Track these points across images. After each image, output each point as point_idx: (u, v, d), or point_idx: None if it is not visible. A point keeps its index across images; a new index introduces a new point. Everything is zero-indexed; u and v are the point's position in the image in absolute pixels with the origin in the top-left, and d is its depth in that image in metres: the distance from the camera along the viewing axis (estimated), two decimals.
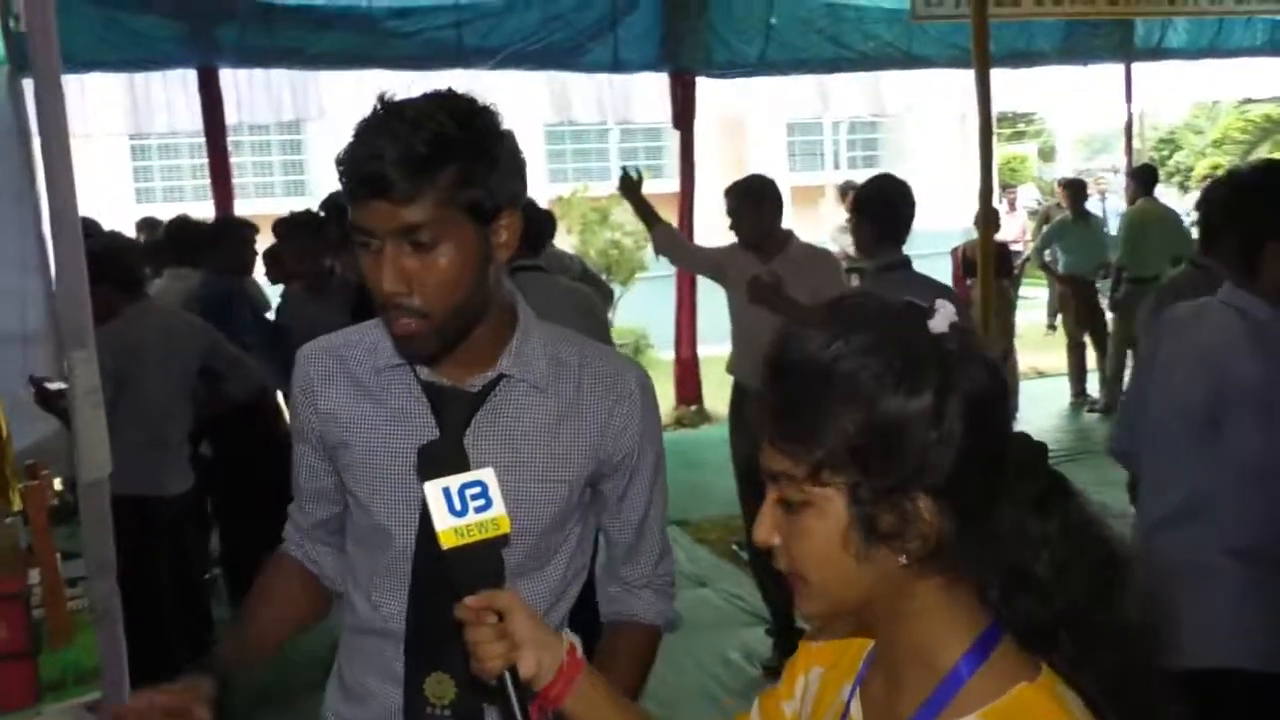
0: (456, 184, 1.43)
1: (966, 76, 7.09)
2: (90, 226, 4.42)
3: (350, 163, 1.43)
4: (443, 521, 1.22)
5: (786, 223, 4.74)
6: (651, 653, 1.73)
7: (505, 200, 1.49)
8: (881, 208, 4.06)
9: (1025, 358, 9.50)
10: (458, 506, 1.23)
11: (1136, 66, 9.97)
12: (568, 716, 1.25)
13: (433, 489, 1.23)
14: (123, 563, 2.52)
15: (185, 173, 14.25)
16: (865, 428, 0.99)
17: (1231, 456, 2.39)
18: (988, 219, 6.77)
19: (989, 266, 7.16)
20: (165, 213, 6.95)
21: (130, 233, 6.19)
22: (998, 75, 7.32)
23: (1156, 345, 2.65)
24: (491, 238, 1.49)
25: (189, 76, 6.18)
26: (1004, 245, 8.82)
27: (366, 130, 1.43)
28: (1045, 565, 1.04)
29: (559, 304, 3.87)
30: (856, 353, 1.01)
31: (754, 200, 4.60)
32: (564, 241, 9.16)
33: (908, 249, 4.12)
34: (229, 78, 6.28)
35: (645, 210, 5.10)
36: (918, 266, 4.24)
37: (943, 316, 1.03)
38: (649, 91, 8.08)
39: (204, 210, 7.67)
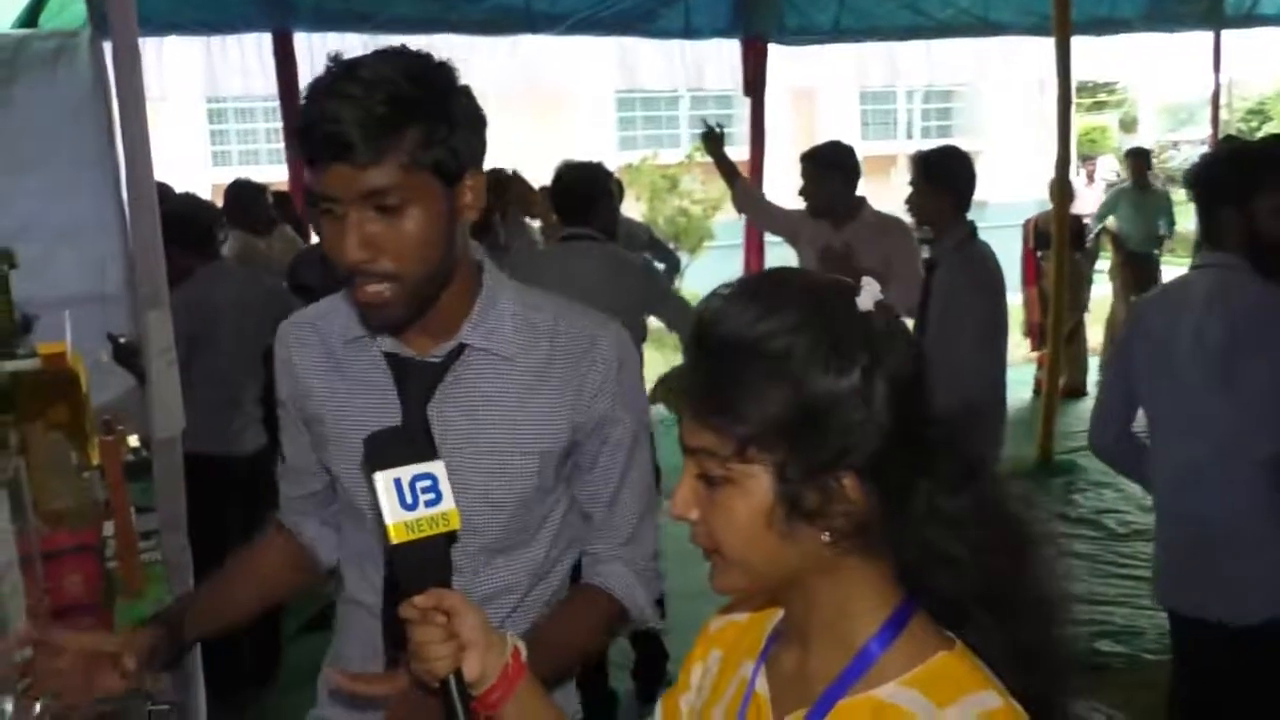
0: (420, 144, 1.38)
1: (1046, 44, 6.94)
2: (163, 190, 4.50)
3: (307, 127, 1.37)
4: (393, 515, 1.16)
5: (860, 191, 4.69)
6: (603, 620, 1.63)
7: (469, 159, 1.44)
8: (955, 178, 4.00)
9: (1097, 332, 9.33)
10: (408, 499, 1.16)
11: (1226, 34, 9.65)
12: None
13: (383, 480, 1.16)
14: (194, 518, 2.57)
15: (260, 136, 14.43)
16: (794, 406, 0.99)
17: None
18: (1063, 191, 6.63)
19: (1064, 239, 7.05)
20: (241, 176, 7.03)
21: (207, 195, 6.28)
22: (1078, 43, 7.16)
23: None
24: (457, 199, 1.44)
25: (264, 40, 6.25)
26: (1078, 218, 8.66)
27: (321, 92, 1.37)
28: (961, 544, 1.03)
29: (600, 270, 3.87)
30: (786, 330, 1.00)
31: (826, 169, 4.55)
32: (633, 209, 9.15)
33: (981, 221, 4.06)
34: (302, 42, 6.32)
35: (726, 166, 5.08)
36: (992, 238, 4.18)
37: (868, 294, 1.03)
38: (720, 58, 7.99)
39: (279, 174, 7.78)
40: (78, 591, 2.04)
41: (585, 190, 4.14)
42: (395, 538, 1.16)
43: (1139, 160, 9.45)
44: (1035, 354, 8.89)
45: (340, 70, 1.38)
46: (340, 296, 1.60)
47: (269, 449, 4.42)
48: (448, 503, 1.18)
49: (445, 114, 1.40)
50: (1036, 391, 8.12)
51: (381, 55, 1.40)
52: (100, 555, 2.12)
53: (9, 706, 1.53)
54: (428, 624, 1.16)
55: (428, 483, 1.18)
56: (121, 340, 3.95)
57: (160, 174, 4.35)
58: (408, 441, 1.24)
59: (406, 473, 1.17)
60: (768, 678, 1.13)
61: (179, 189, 5.33)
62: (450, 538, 1.19)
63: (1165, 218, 9.32)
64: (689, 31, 7.47)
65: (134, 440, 3.69)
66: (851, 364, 0.99)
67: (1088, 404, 8.39)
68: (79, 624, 2.08)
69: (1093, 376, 8.88)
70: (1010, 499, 1.09)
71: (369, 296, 1.42)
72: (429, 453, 1.21)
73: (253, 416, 4.19)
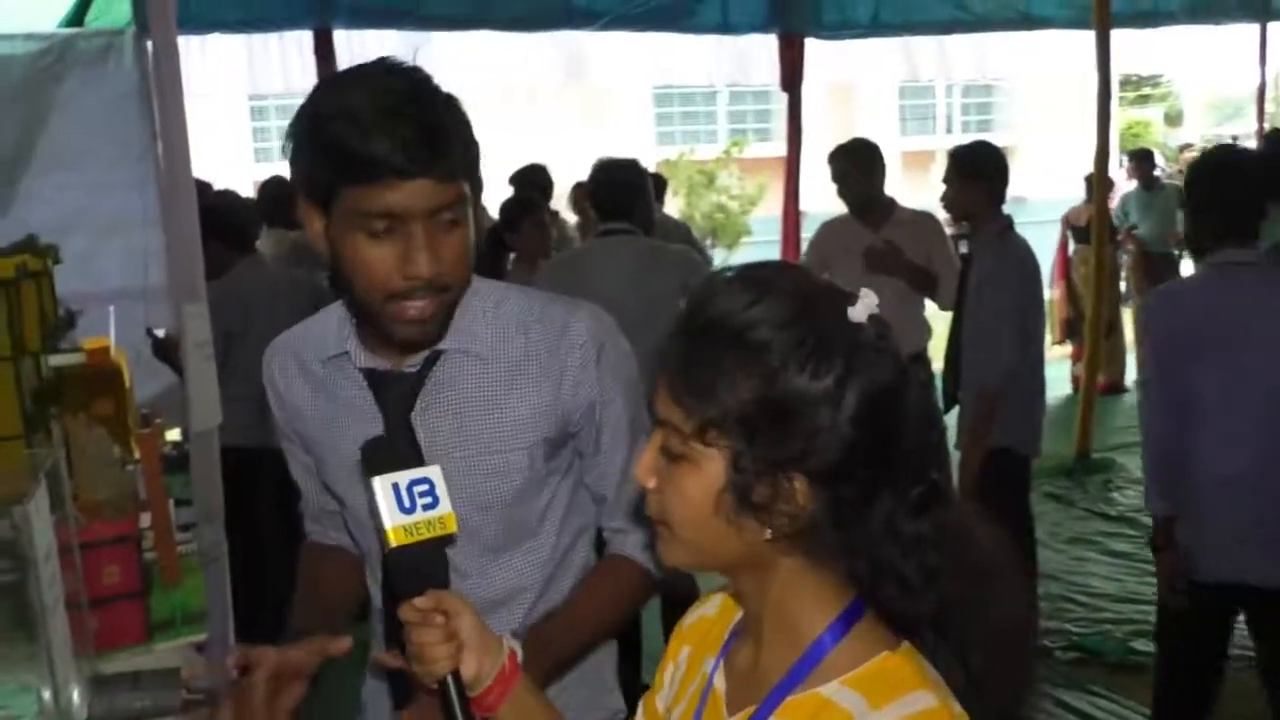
0: (470, 159, 1.40)
1: (1087, 38, 6.86)
2: (202, 186, 4.56)
3: (370, 145, 1.32)
4: (391, 519, 1.16)
5: (896, 188, 4.67)
6: (630, 588, 1.62)
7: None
8: (989, 171, 3.99)
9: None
10: (406, 504, 1.17)
11: (1272, 26, 9.49)
12: None
13: (381, 484, 1.17)
14: (230, 510, 2.61)
15: None
16: (761, 399, 0.99)
17: None
18: (1102, 184, 6.56)
19: (1103, 233, 6.98)
20: (284, 172, 7.10)
21: (248, 192, 6.35)
22: (1121, 36, 7.07)
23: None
24: (477, 210, 1.47)
25: (304, 38, 6.30)
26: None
27: (364, 111, 1.33)
28: (915, 567, 1.02)
29: (637, 262, 3.88)
30: (770, 323, 1.00)
31: (862, 163, 4.53)
32: (670, 205, 9.14)
33: (1020, 216, 4.04)
34: (342, 39, 6.37)
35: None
36: (1031, 233, 4.16)
37: (864, 306, 1.02)
38: (758, 53, 7.97)
39: None
40: (116, 581, 2.08)
41: (623, 187, 4.15)
42: (394, 541, 1.16)
43: (1141, 162, 9.42)
44: (1064, 346, 8.81)
45: (374, 89, 1.35)
46: (321, 316, 1.62)
47: None
48: (444, 506, 1.19)
49: (472, 129, 1.43)
50: (1075, 389, 8.05)
51: (393, 73, 1.39)
52: (138, 546, 2.16)
53: None
54: (427, 625, 1.18)
55: (424, 486, 1.18)
56: (159, 335, 4.01)
57: (203, 170, 4.41)
58: (404, 446, 1.26)
59: (404, 477, 1.18)
60: (725, 674, 1.14)
61: (221, 185, 5.40)
62: (447, 541, 1.20)
63: (1176, 217, 9.26)
64: (726, 27, 7.45)
65: (175, 434, 3.75)
66: (827, 370, 0.98)
67: (1128, 401, 8.32)
68: (120, 613, 2.12)
69: (1130, 374, 8.80)
70: (976, 528, 1.07)
71: (419, 313, 1.42)
72: (421, 459, 1.23)
73: None
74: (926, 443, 1.05)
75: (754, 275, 1.04)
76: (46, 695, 1.56)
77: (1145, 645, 4.33)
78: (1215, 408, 2.77)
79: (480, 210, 1.32)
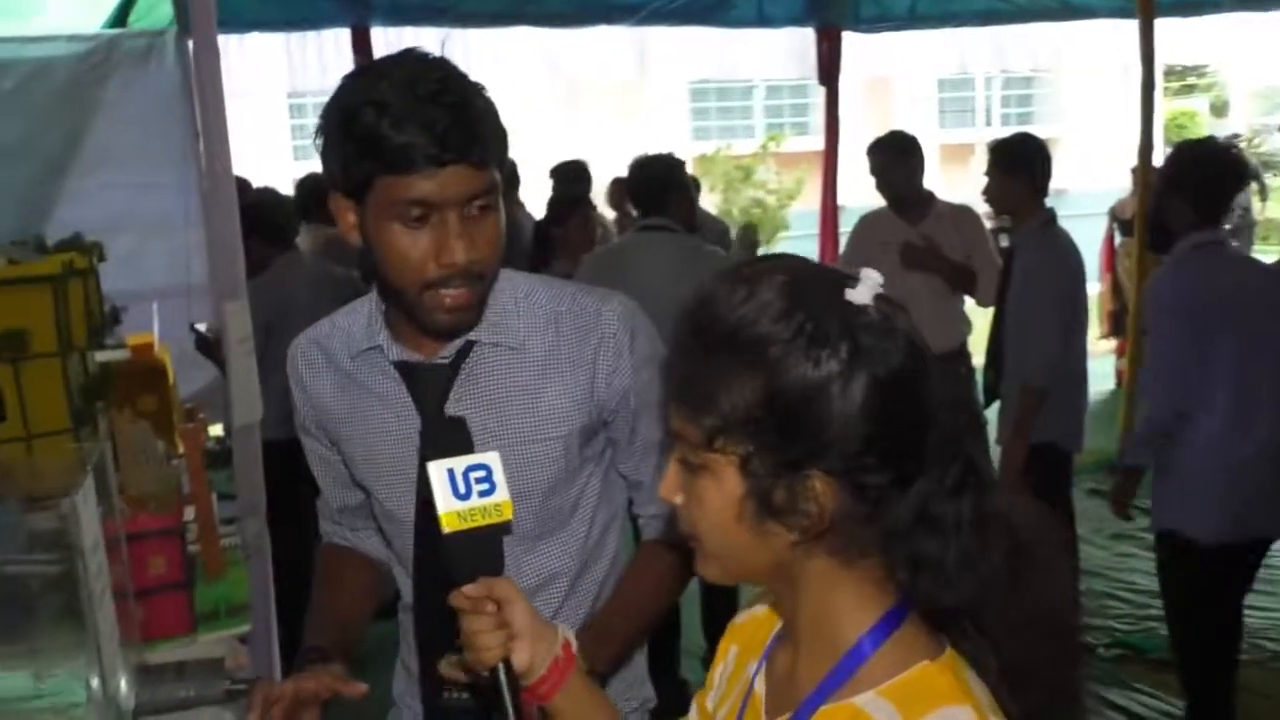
0: (502, 147, 1.42)
1: (1130, 27, 6.78)
2: (242, 184, 4.61)
3: (406, 134, 1.34)
4: (445, 504, 1.17)
5: (935, 181, 4.65)
6: (667, 570, 1.61)
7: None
8: (1030, 164, 3.96)
9: None
10: (461, 489, 1.17)
11: None
12: (552, 713, 1.21)
13: (436, 469, 1.18)
14: (272, 503, 2.64)
15: None
16: (761, 399, 0.95)
17: None
18: (1146, 176, 6.47)
19: (1145, 225, 6.88)
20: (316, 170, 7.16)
21: (288, 189, 6.40)
22: (1166, 25, 6.97)
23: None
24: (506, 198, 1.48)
25: (342, 36, 6.34)
26: None
27: (398, 101, 1.34)
28: (950, 552, 0.99)
29: (674, 259, 3.88)
30: (764, 317, 0.96)
31: (902, 157, 4.51)
32: (707, 200, 9.14)
33: (1063, 209, 4.01)
34: (380, 37, 6.41)
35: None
36: (1073, 226, 4.13)
37: (866, 287, 0.98)
38: (795, 47, 7.94)
39: None
40: (161, 573, 2.11)
41: (660, 182, 4.16)
42: (447, 526, 1.17)
43: None
44: (1109, 341, 8.71)
45: (404, 81, 1.36)
46: (348, 310, 1.63)
47: None
48: (502, 494, 1.19)
49: (500, 116, 1.44)
50: (1120, 383, 7.96)
51: (423, 63, 1.40)
52: (182, 538, 2.19)
53: None
54: (478, 613, 1.17)
55: (482, 473, 1.19)
56: (202, 330, 4.06)
57: (243, 168, 4.45)
58: (461, 433, 1.28)
59: (460, 463, 1.18)
60: (766, 677, 1.12)
61: (261, 183, 5.45)
62: (503, 529, 1.21)
63: None
64: (763, 21, 7.43)
65: (218, 429, 3.79)
66: (829, 357, 0.94)
67: None
68: (165, 604, 2.15)
69: None
70: (1006, 511, 1.03)
71: (458, 300, 1.43)
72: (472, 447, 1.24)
73: None
74: (956, 423, 1.01)
75: (745, 271, 1.00)
76: (95, 683, 1.58)
77: None
78: (1226, 377, 3.04)
79: (518, 205, 1.33)
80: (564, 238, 5.13)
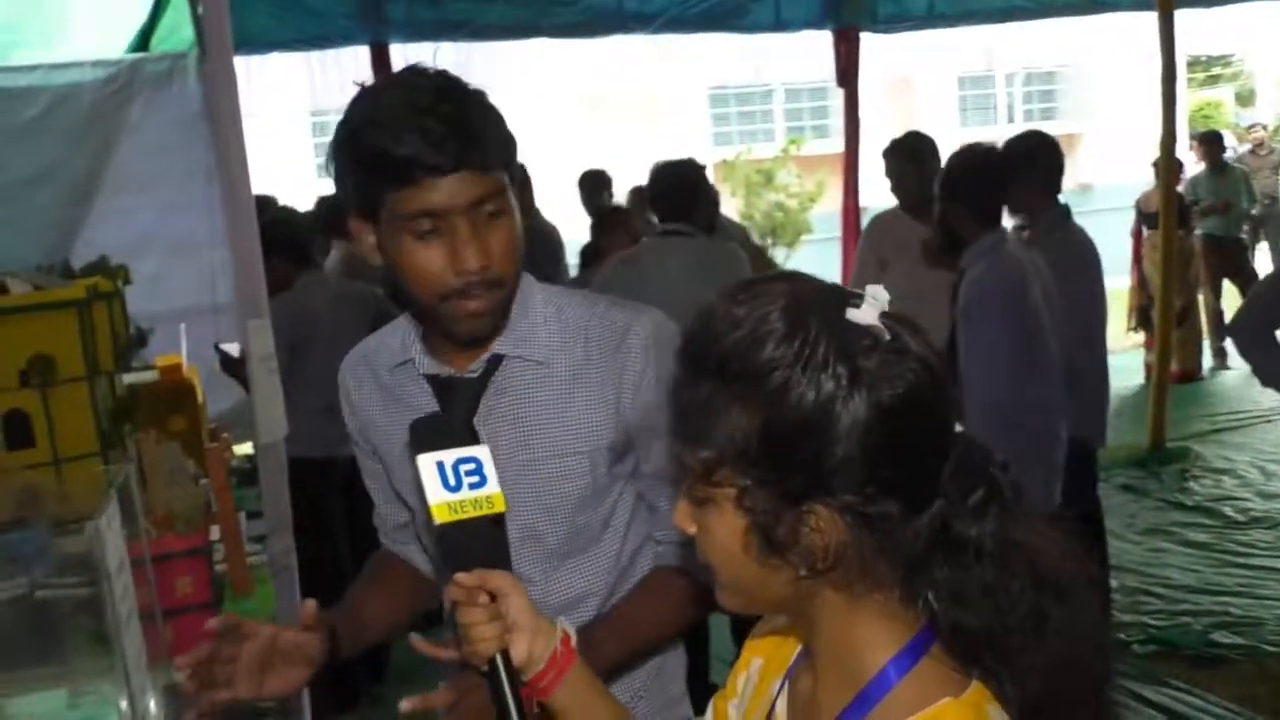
0: (506, 151, 1.42)
1: (1150, 19, 6.73)
2: (266, 202, 4.65)
3: (404, 147, 1.34)
4: (435, 495, 1.17)
5: None
6: (680, 600, 1.57)
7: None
8: (1047, 160, 3.94)
9: None
10: (451, 481, 1.17)
11: None
12: (554, 709, 1.18)
13: (425, 461, 1.17)
14: (298, 521, 2.66)
15: None
16: (757, 430, 0.90)
17: None
18: (1169, 168, 6.42)
19: (1171, 218, 6.84)
20: None
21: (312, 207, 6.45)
22: (1189, 16, 6.92)
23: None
24: (518, 200, 1.47)
25: (361, 53, 6.39)
26: (1182, 196, 8.42)
27: (393, 116, 1.35)
28: (971, 579, 0.94)
29: (695, 261, 3.88)
30: (758, 345, 0.91)
31: (914, 163, 4.49)
32: (728, 205, 9.12)
33: (1090, 202, 3.99)
34: (399, 53, 6.45)
35: None
36: (1100, 220, 4.11)
37: (870, 307, 0.92)
38: (812, 50, 7.93)
39: None
40: (188, 593, 2.13)
41: (679, 188, 4.17)
42: (438, 518, 1.17)
43: (1210, 144, 9.25)
44: (1137, 335, 8.63)
45: (402, 94, 1.37)
46: (391, 327, 1.63)
47: None
48: (492, 486, 1.19)
49: (504, 120, 1.44)
50: (1148, 377, 7.89)
51: (420, 73, 1.41)
52: (209, 558, 2.21)
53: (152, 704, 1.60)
54: (472, 605, 1.16)
55: (471, 465, 1.18)
56: (227, 350, 4.10)
57: (266, 187, 4.49)
58: (451, 427, 1.26)
59: (449, 455, 1.18)
60: (788, 699, 1.08)
61: (284, 201, 5.50)
62: (496, 520, 1.20)
63: (1247, 195, 9.10)
64: (780, 24, 7.42)
65: (246, 448, 3.82)
66: (826, 381, 0.89)
67: (1203, 389, 8.14)
68: (192, 623, 2.17)
69: (1207, 360, 8.61)
70: (1042, 538, 0.97)
71: (479, 307, 1.43)
72: (473, 439, 1.23)
73: None
74: (976, 442, 0.97)
75: (741, 295, 0.95)
76: (124, 705, 1.60)
77: (1226, 637, 4.25)
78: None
79: (534, 211, 1.33)
80: (608, 249, 5.15)
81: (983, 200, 3.42)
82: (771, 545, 0.93)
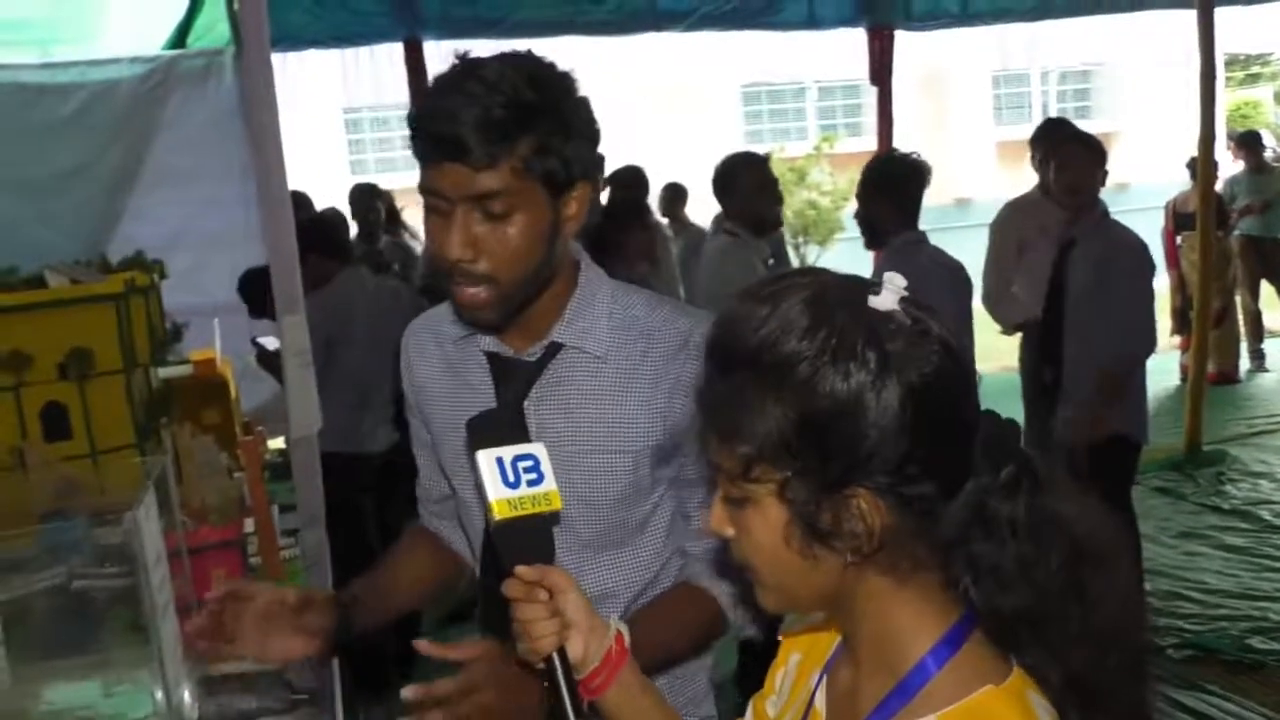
0: (534, 152, 1.38)
1: (1189, 17, 6.65)
2: (301, 199, 4.67)
3: (425, 123, 1.38)
4: (495, 492, 1.16)
5: (992, 179, 4.66)
6: (699, 619, 1.57)
7: (579, 172, 1.43)
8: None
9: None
10: (510, 478, 1.17)
11: None
12: (605, 708, 1.18)
13: (485, 458, 1.17)
14: (330, 514, 2.67)
15: (396, 144, 14.83)
16: (793, 421, 0.92)
17: None
18: (1207, 168, 6.34)
19: (1209, 218, 6.75)
20: (379, 184, 7.24)
21: (343, 203, 6.49)
22: (1228, 14, 6.83)
23: None
24: (562, 209, 1.44)
25: (395, 50, 6.41)
26: (1219, 196, 8.32)
27: (442, 90, 1.37)
28: (1006, 555, 0.95)
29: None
30: (786, 338, 0.92)
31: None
32: None
33: (1124, 203, 3.98)
34: (432, 50, 6.47)
35: None
36: (1134, 221, 4.11)
37: (890, 293, 0.94)
38: (846, 48, 7.90)
39: (414, 180, 7.99)
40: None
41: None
42: (498, 514, 1.16)
43: (1250, 145, 9.09)
44: (1176, 339, 8.53)
45: (463, 69, 1.38)
46: None
47: (400, 446, 4.57)
48: (549, 483, 1.19)
49: (562, 123, 1.40)
50: (1184, 378, 7.81)
51: (506, 58, 1.40)
52: (243, 550, 2.22)
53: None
54: (531, 601, 1.16)
55: (529, 462, 1.18)
56: (265, 344, 4.13)
57: (300, 182, 4.50)
58: (510, 423, 1.26)
59: (508, 452, 1.18)
60: (827, 693, 1.08)
61: (317, 198, 5.53)
62: (553, 519, 1.20)
63: None
64: (813, 22, 7.38)
65: (280, 442, 3.85)
66: (858, 369, 0.90)
67: (1240, 391, 8.04)
68: None
69: (1244, 363, 8.51)
70: (1066, 512, 0.98)
71: (466, 298, 1.45)
72: (528, 436, 1.23)
73: (384, 415, 4.31)
74: (1003, 419, 0.98)
75: (763, 291, 0.97)
76: (159, 695, 1.61)
77: (1263, 643, 4.19)
78: None
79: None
80: (624, 244, 5.12)
81: (904, 201, 3.79)
82: (815, 535, 0.95)
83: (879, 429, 0.91)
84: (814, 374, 0.91)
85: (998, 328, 4.87)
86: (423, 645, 1.37)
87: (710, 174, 4.48)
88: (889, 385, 0.91)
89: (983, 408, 0.99)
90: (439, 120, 1.36)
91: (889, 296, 0.94)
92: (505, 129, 1.35)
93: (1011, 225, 4.81)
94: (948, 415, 0.94)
